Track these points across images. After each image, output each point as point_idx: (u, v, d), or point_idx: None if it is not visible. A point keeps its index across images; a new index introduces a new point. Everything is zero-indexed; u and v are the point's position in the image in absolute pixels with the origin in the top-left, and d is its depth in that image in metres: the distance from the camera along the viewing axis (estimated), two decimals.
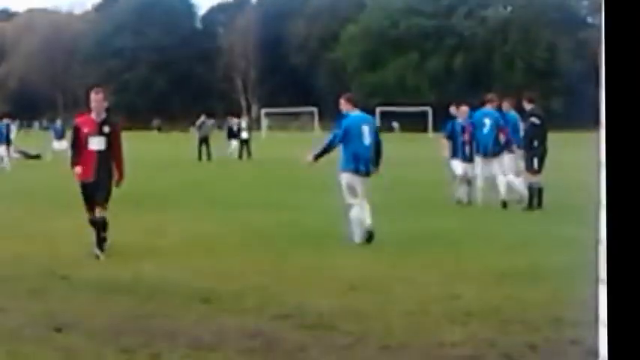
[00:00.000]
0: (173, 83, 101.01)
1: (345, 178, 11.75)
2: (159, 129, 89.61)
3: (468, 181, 16.90)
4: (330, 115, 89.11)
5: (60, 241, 11.91)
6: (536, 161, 15.99)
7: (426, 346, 6.59)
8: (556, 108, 72.74)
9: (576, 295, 7.34)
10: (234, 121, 40.34)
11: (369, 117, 12.36)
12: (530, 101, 16.53)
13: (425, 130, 72.34)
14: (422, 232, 12.69)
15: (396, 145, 34.69)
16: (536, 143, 15.97)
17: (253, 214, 15.44)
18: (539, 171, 16.03)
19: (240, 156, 37.41)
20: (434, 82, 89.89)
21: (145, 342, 6.71)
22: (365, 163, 11.71)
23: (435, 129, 70.28)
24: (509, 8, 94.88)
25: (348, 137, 11.65)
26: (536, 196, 15.92)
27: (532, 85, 76.87)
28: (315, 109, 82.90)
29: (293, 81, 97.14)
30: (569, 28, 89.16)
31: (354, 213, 11.62)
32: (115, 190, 10.86)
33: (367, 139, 11.71)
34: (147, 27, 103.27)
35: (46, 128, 75.79)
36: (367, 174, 11.79)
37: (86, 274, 9.52)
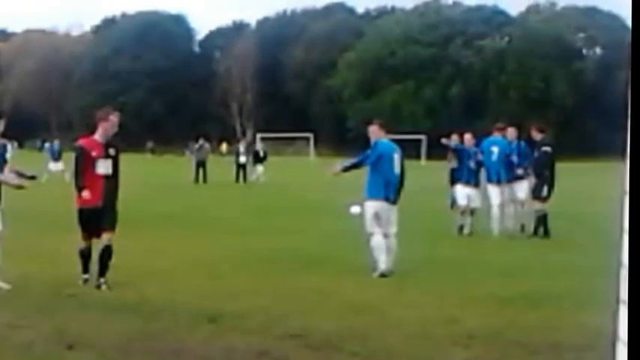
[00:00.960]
0: (169, 107, 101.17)
1: (373, 206, 11.44)
2: (152, 151, 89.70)
3: (472, 211, 16.96)
4: (326, 141, 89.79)
5: (62, 261, 11.99)
6: (545, 189, 16.27)
7: None
8: (549, 138, 72.89)
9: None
10: (260, 146, 40.73)
11: (396, 145, 12.05)
12: (541, 131, 16.86)
13: (418, 157, 72.80)
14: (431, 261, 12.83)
15: None
16: (547, 172, 16.28)
17: (252, 238, 15.60)
18: (547, 199, 16.30)
19: (237, 179, 37.59)
20: (429, 110, 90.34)
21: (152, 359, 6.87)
22: (394, 191, 11.56)
23: (429, 157, 70.73)
24: (505, 39, 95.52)
25: (381, 164, 11.49)
26: (541, 224, 16.21)
27: (526, 115, 77.52)
28: (311, 135, 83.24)
29: (289, 107, 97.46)
30: (564, 59, 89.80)
31: (375, 241, 11.37)
32: None
33: (397, 168, 11.62)
34: (144, 50, 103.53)
35: (40, 149, 75.77)
36: (395, 202, 11.60)
37: (91, 294, 9.67)
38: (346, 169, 12.00)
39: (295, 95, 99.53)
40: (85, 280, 10.29)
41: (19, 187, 10.01)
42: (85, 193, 10.07)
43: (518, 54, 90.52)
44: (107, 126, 10.23)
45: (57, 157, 36.82)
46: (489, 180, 17.02)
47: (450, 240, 16.02)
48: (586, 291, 9.69)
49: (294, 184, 36.05)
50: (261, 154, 39.64)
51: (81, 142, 10.44)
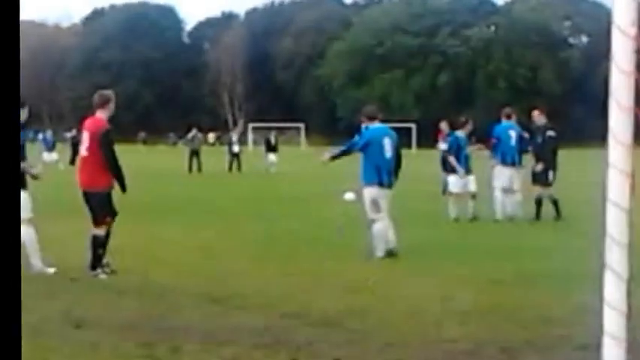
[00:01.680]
0: (159, 97, 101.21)
1: (370, 192, 11.54)
2: (144, 142, 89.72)
3: (473, 195, 17.04)
4: (317, 130, 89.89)
5: (64, 246, 12.14)
6: (551, 174, 16.42)
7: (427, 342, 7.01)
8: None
9: None
10: (272, 134, 40.86)
11: (389, 130, 12.07)
12: (543, 115, 16.95)
13: (409, 146, 72.95)
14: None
15: None
16: (552, 156, 16.44)
17: (248, 223, 15.86)
18: (552, 183, 16.47)
19: (231, 168, 37.76)
20: (418, 99, 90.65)
21: (162, 337, 7.08)
22: (388, 175, 11.59)
23: (419, 145, 70.94)
24: (492, 28, 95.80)
25: (370, 149, 11.54)
26: (554, 208, 16.36)
27: (514, 103, 77.68)
28: (302, 125, 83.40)
29: (279, 97, 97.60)
30: (551, 48, 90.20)
31: (377, 227, 11.48)
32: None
33: (388, 152, 11.58)
34: (134, 41, 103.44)
35: (33, 140, 75.70)
36: (390, 186, 11.65)
37: (94, 277, 9.87)
38: (335, 157, 12.00)
39: (285, 85, 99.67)
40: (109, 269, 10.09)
41: (35, 178, 10.10)
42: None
43: (505, 43, 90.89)
44: (112, 107, 10.19)
45: (51, 147, 37.01)
46: (504, 163, 16.86)
47: (443, 224, 16.26)
48: (576, 271, 9.93)
49: (287, 173, 36.22)
50: (273, 142, 39.72)
51: (105, 124, 10.08)
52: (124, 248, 11.47)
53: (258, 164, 39.00)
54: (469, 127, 17.34)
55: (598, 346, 4.93)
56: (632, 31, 3.70)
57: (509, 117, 17.40)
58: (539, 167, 16.44)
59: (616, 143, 3.70)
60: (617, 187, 3.71)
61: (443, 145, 23.42)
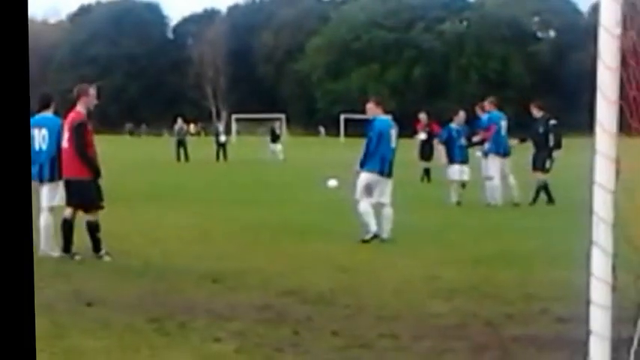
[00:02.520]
0: (145, 90, 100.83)
1: (366, 178, 11.59)
2: (131, 133, 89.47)
3: (463, 185, 17.31)
4: (296, 121, 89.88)
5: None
6: (549, 161, 16.77)
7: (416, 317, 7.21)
8: (509, 117, 74.17)
9: None
10: (276, 124, 40.82)
11: (392, 122, 12.17)
12: (541, 108, 17.30)
13: None
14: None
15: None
16: (552, 144, 16.72)
17: (240, 209, 16.00)
18: (549, 170, 16.82)
19: (218, 158, 37.83)
20: (394, 91, 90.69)
21: (168, 314, 7.23)
22: (390, 164, 11.66)
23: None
24: (464, 23, 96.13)
25: (379, 140, 11.59)
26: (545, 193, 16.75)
27: (485, 95, 78.14)
28: (283, 116, 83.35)
29: (260, 89, 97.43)
30: (520, 42, 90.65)
31: (362, 206, 11.51)
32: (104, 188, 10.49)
33: (393, 143, 11.71)
34: (120, 36, 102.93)
35: None
36: (389, 175, 11.71)
37: (98, 260, 9.97)
38: (362, 164, 11.73)
39: (266, 78, 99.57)
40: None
41: None
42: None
43: (477, 37, 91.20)
44: (88, 100, 10.19)
45: None
46: (497, 153, 17.07)
47: (426, 209, 16.49)
48: (559, 251, 10.16)
49: (272, 162, 36.33)
50: (277, 132, 39.73)
51: (81, 116, 10.12)
52: (123, 232, 11.62)
53: (242, 153, 39.07)
54: (460, 118, 17.66)
55: (576, 319, 5.15)
56: (617, 30, 3.89)
57: (495, 106, 17.68)
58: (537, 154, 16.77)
59: (602, 132, 3.90)
60: (603, 172, 3.91)
61: (422, 135, 23.67)
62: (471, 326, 6.87)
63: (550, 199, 16.76)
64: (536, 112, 17.29)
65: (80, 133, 9.99)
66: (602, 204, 3.91)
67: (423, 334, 6.56)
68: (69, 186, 10.10)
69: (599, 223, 3.91)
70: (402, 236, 11.91)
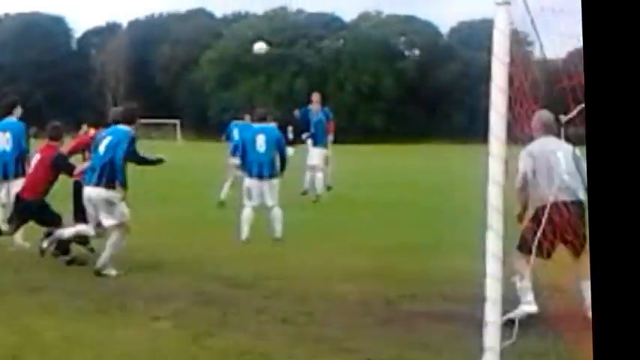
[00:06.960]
0: (50, 97, 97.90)
1: (245, 182, 11.51)
2: (35, 136, 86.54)
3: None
4: (190, 127, 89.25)
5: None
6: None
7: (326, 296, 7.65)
8: (378, 125, 76.37)
9: None
10: (289, 129, 39.60)
11: (266, 127, 11.73)
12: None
13: None
14: None
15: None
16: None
17: (153, 207, 15.93)
18: None
19: None
20: (278, 101, 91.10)
21: (110, 295, 7.42)
22: (258, 167, 11.26)
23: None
24: (341, 41, 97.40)
25: (245, 146, 11.54)
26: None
27: (360, 104, 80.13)
28: (178, 121, 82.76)
29: (158, 97, 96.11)
30: (390, 59, 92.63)
31: (244, 214, 11.26)
32: None
33: (262, 147, 11.33)
34: (26, 47, 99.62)
35: None
36: (261, 177, 11.27)
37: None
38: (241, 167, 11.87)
39: (163, 87, 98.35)
40: None
41: None
42: None
43: (352, 54, 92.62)
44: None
45: None
46: (316, 144, 18.18)
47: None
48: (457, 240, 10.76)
49: (171, 164, 35.95)
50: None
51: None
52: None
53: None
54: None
55: (467, 300, 5.67)
56: (506, 59, 4.43)
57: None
58: None
59: (495, 139, 4.44)
60: (495, 170, 4.44)
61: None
62: (373, 304, 7.35)
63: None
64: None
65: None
66: (495, 196, 4.44)
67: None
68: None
69: (492, 212, 4.44)
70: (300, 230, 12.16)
